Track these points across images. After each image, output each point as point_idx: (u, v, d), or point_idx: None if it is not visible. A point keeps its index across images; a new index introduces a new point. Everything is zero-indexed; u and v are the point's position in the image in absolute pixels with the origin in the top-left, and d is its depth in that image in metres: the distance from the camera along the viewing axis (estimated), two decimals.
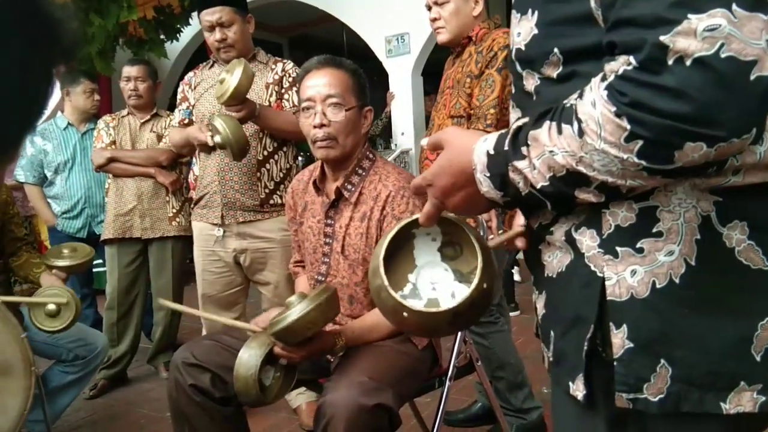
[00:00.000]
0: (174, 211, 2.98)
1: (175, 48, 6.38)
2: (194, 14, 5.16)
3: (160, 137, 2.98)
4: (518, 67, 0.77)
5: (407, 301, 0.89)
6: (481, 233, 1.66)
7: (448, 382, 1.57)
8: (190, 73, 2.39)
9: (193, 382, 1.48)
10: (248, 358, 1.37)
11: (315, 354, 1.44)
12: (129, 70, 2.96)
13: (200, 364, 1.49)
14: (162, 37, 5.35)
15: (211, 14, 2.17)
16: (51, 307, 1.93)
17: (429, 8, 2.03)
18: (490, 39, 1.94)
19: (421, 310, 0.89)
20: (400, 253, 0.97)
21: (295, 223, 1.73)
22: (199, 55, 6.49)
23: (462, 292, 0.87)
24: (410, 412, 1.91)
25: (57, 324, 1.94)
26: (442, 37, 2.02)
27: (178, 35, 5.49)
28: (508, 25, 2.16)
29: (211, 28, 2.19)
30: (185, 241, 3.11)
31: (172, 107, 6.66)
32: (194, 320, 3.98)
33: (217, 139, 1.97)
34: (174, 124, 2.42)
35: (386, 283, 0.88)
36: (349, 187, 1.56)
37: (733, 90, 0.55)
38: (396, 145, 6.40)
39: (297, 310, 1.29)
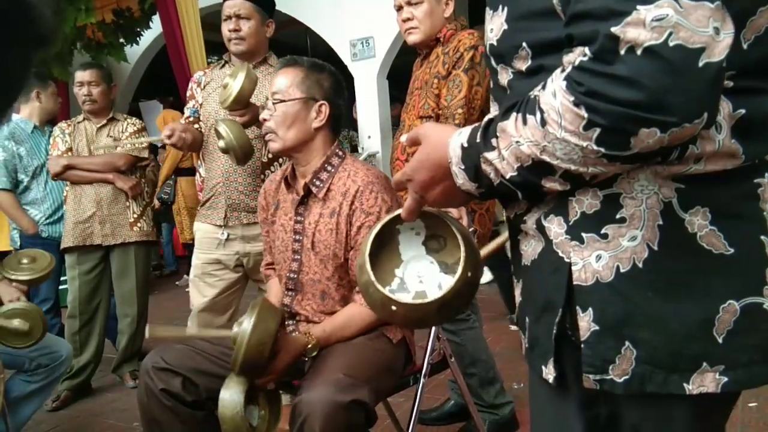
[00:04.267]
0: (135, 216, 2.92)
1: (135, 51, 6.26)
2: (155, 17, 5.08)
3: (117, 141, 2.92)
4: (493, 62, 0.79)
5: (395, 295, 0.91)
6: None
7: (422, 379, 1.58)
8: (200, 72, 2.40)
9: (164, 386, 1.45)
10: (230, 396, 1.36)
11: (292, 362, 1.44)
12: (82, 75, 2.89)
13: (171, 368, 1.47)
14: (122, 40, 5.25)
15: (231, 6, 2.21)
16: (15, 324, 1.87)
17: (399, 8, 2.03)
18: (456, 40, 1.96)
19: (409, 302, 0.91)
20: (385, 249, 0.98)
21: (266, 224, 1.73)
22: (160, 58, 6.37)
23: (448, 282, 0.88)
24: (385, 412, 1.91)
25: (25, 341, 1.91)
26: (414, 38, 2.02)
27: (138, 38, 5.39)
28: (471, 27, 2.19)
29: (228, 18, 2.22)
30: (148, 246, 3.06)
31: (132, 112, 6.55)
32: None
33: (221, 144, 1.98)
34: (181, 121, 2.39)
35: (373, 278, 0.89)
36: (318, 183, 1.57)
37: (683, 77, 0.56)
38: (363, 148, 6.40)
39: (240, 340, 1.30)
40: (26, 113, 3.16)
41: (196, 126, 2.29)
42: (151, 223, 3.04)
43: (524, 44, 0.71)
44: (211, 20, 5.43)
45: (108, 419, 2.65)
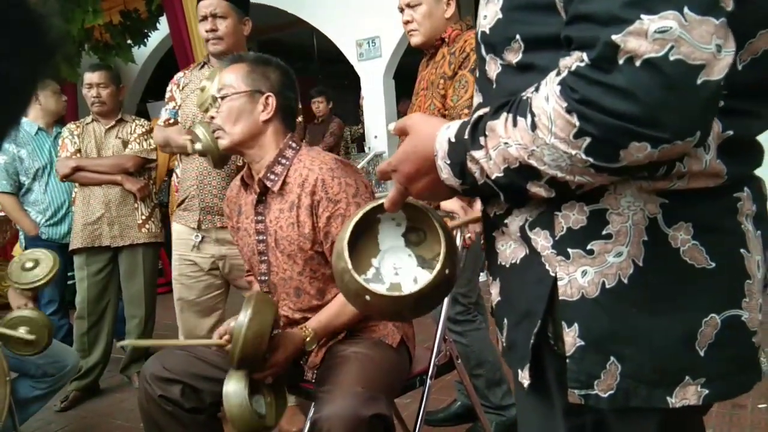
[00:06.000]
0: (143, 217, 2.92)
1: (142, 52, 6.30)
2: (162, 18, 5.10)
3: (126, 143, 2.93)
4: (483, 51, 0.77)
5: (370, 285, 0.88)
6: (458, 236, 1.66)
7: (429, 381, 1.57)
8: (180, 73, 2.39)
9: (162, 393, 1.45)
10: (234, 392, 1.35)
11: (291, 357, 1.42)
12: (90, 77, 2.90)
13: (170, 376, 1.46)
14: (129, 41, 5.27)
15: (207, 6, 2.20)
16: (21, 333, 1.89)
17: (402, 10, 2.04)
18: (462, 40, 1.96)
19: (384, 293, 0.88)
20: (364, 237, 0.96)
21: (234, 232, 1.69)
22: (167, 59, 6.40)
23: (424, 277, 0.87)
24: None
25: (30, 349, 1.92)
26: (416, 39, 2.03)
27: (145, 40, 5.41)
28: None
29: (205, 18, 2.21)
30: (156, 247, 3.06)
31: (140, 113, 6.57)
32: (169, 329, 3.91)
33: (198, 146, 1.96)
34: (159, 123, 2.40)
35: (350, 266, 0.87)
36: (272, 177, 1.52)
37: (680, 93, 0.55)
38: (369, 148, 6.41)
39: (237, 335, 1.29)
40: (32, 116, 3.18)
41: (176, 127, 2.28)
42: (160, 224, 3.06)
43: (518, 36, 0.70)
44: None
45: (116, 419, 2.67)
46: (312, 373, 1.52)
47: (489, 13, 0.74)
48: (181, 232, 2.27)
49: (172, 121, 2.32)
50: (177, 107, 2.31)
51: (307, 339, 1.43)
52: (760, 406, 2.19)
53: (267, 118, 1.54)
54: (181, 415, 1.46)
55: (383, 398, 1.30)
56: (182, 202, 2.26)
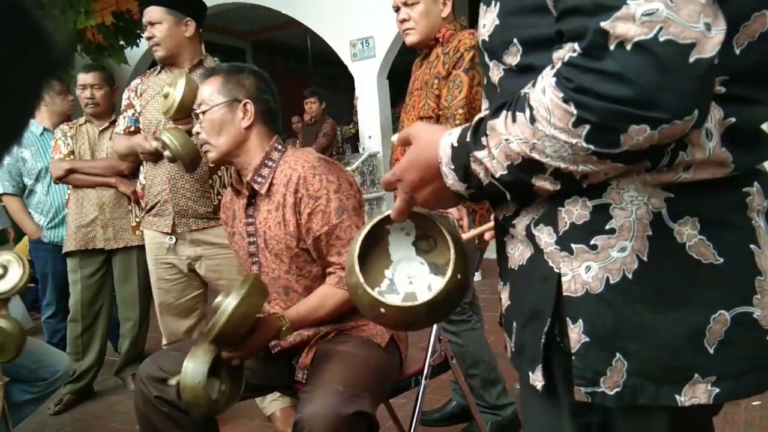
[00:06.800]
0: (137, 220, 2.90)
1: (135, 53, 6.27)
2: None
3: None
4: (486, 58, 0.78)
5: (384, 297, 0.89)
6: None
7: (424, 381, 1.57)
8: (137, 80, 2.37)
9: (159, 394, 1.45)
10: (194, 367, 1.34)
11: (263, 344, 1.43)
12: (84, 78, 2.88)
13: (166, 377, 1.46)
14: (122, 43, 5.24)
15: (146, 15, 2.24)
16: None
17: (397, 9, 2.03)
18: (456, 40, 1.96)
19: (397, 304, 0.89)
20: (375, 249, 0.97)
21: (231, 237, 1.71)
22: None
23: (438, 284, 0.87)
24: (386, 414, 1.91)
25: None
26: (411, 38, 2.03)
27: (138, 41, 5.38)
28: (472, 27, 2.20)
29: (145, 27, 2.24)
30: None
31: None
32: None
33: (167, 153, 1.95)
34: (118, 131, 2.38)
35: (362, 279, 0.88)
36: (259, 179, 1.55)
37: (673, 73, 0.56)
38: (364, 148, 6.40)
39: (225, 310, 1.27)
40: (38, 117, 3.16)
41: (140, 135, 2.27)
42: None
43: (515, 40, 0.71)
44: (210, 21, 5.44)
45: (110, 422, 2.65)
46: (302, 373, 1.52)
47: (487, 21, 0.75)
48: (153, 236, 2.25)
49: (132, 128, 2.31)
50: (137, 114, 2.30)
51: (283, 328, 1.44)
52: (754, 403, 2.20)
53: (248, 124, 1.57)
54: (177, 416, 1.46)
55: (366, 396, 1.30)
56: (152, 207, 2.23)
